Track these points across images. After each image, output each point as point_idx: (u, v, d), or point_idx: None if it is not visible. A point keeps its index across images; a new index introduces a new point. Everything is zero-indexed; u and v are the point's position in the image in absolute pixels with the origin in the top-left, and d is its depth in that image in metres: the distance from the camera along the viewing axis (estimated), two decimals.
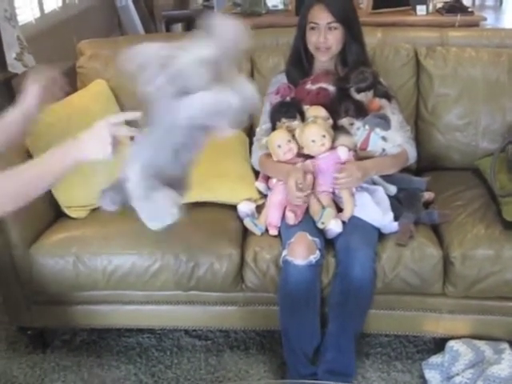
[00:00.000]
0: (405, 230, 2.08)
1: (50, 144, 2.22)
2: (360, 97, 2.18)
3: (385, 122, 2.10)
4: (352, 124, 2.16)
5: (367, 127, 2.12)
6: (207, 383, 2.24)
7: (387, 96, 2.25)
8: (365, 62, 2.28)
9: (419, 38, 2.70)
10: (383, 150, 2.13)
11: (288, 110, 2.20)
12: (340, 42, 2.22)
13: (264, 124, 2.33)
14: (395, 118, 2.18)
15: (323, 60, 2.25)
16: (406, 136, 2.25)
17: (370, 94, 2.19)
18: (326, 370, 2.07)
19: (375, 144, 2.13)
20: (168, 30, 5.91)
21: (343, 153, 2.09)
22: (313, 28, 2.20)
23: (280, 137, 2.15)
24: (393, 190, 2.17)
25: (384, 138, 2.11)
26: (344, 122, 2.17)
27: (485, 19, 3.81)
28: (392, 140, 2.14)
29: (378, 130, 2.10)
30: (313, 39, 2.22)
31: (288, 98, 2.27)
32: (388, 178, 2.18)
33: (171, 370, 2.31)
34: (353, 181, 2.05)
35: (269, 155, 2.23)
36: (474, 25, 3.48)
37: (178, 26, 6.03)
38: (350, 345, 2.07)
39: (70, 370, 2.33)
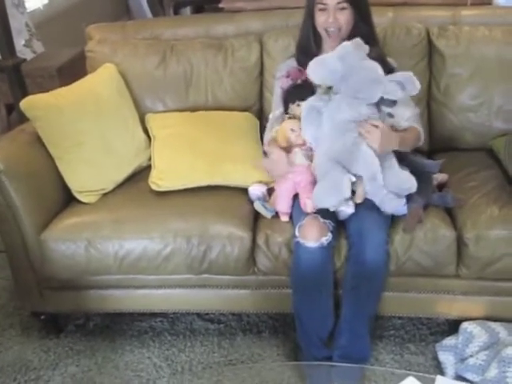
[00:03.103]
0: (413, 214, 2.06)
1: (60, 128, 2.25)
2: None
3: (390, 100, 2.07)
4: None
5: None
6: (220, 366, 2.24)
7: None
8: (374, 43, 2.24)
9: (431, 17, 2.66)
10: (392, 127, 2.10)
11: (302, 92, 2.18)
12: (350, 23, 2.18)
13: (277, 109, 2.31)
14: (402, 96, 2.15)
15: (334, 45, 2.22)
16: (415, 116, 2.21)
17: None
18: (340, 355, 2.07)
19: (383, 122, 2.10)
20: (176, 13, 5.86)
21: None
22: (321, 9, 2.17)
23: (293, 122, 2.15)
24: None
25: (390, 115, 2.08)
26: None
27: None
28: (399, 115, 2.11)
29: (383, 107, 2.07)
30: (321, 20, 2.18)
31: (299, 81, 2.24)
32: (399, 159, 2.15)
33: (184, 353, 2.31)
34: (384, 139, 1.96)
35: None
36: (487, 3, 3.41)
37: (187, 10, 5.99)
38: (365, 329, 2.07)
39: (83, 354, 2.35)
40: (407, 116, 2.14)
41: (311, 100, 2.07)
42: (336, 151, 1.97)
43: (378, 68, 1.98)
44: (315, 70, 2.04)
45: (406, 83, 1.97)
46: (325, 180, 1.98)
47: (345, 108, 1.98)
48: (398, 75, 1.99)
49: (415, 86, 1.97)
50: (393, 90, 1.96)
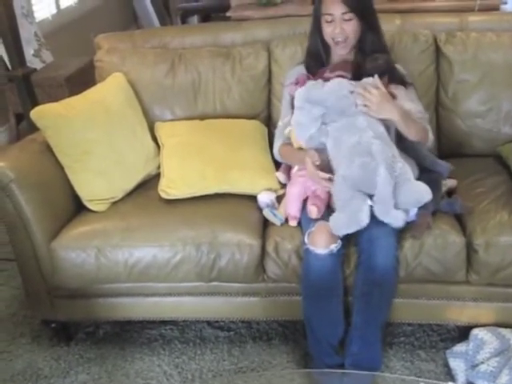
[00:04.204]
0: (422, 221, 2.05)
1: (70, 137, 2.26)
2: None
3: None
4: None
5: None
6: (230, 374, 2.24)
7: (403, 82, 2.23)
8: (382, 51, 2.25)
9: (438, 23, 2.66)
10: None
11: None
12: (357, 32, 2.19)
13: (285, 117, 2.32)
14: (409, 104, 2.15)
15: (342, 54, 2.23)
16: (420, 113, 2.20)
17: (384, 80, 2.16)
18: (351, 364, 2.06)
19: None
20: (184, 22, 5.90)
21: None
22: (328, 20, 2.18)
23: None
24: (414, 173, 2.14)
25: None
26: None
27: (505, 3, 3.73)
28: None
29: None
30: (328, 30, 2.20)
31: None
32: (413, 154, 2.14)
33: (194, 361, 2.32)
34: (377, 101, 1.98)
35: (288, 144, 2.23)
36: (494, 9, 3.42)
37: (194, 19, 6.03)
38: (376, 336, 2.06)
39: (94, 362, 2.35)
40: (408, 108, 2.11)
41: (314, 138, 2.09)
42: (354, 178, 1.96)
43: (341, 82, 2.03)
44: (301, 131, 2.09)
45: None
46: (344, 210, 1.96)
47: (344, 131, 2.00)
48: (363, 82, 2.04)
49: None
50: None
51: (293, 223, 2.16)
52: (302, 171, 2.20)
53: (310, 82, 2.10)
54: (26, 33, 4.03)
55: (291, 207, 2.16)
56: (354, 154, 1.96)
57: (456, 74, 2.50)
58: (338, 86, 2.02)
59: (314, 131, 2.05)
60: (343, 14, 2.14)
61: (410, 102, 2.14)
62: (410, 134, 2.07)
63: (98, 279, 2.21)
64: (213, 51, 2.65)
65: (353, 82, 2.04)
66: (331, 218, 1.98)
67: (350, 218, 1.94)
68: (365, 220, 1.93)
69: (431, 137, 2.18)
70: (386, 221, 1.96)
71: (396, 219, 1.96)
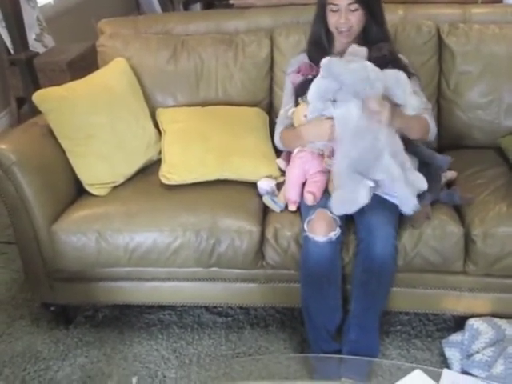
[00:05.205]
0: (421, 211, 2.06)
1: (72, 121, 2.27)
2: None
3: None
4: None
5: None
6: (228, 359, 2.26)
7: (406, 72, 2.23)
8: (385, 40, 2.25)
9: (441, 14, 2.66)
10: None
11: None
12: (361, 22, 2.20)
13: (287, 105, 2.33)
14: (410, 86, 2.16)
15: (345, 42, 2.24)
16: (425, 106, 2.21)
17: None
18: (349, 351, 2.08)
19: None
20: (186, 9, 5.87)
21: None
22: (333, 10, 2.18)
23: (307, 108, 2.16)
24: (414, 164, 2.15)
25: (397, 104, 2.09)
26: None
27: None
28: (407, 104, 2.11)
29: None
30: (333, 20, 2.20)
31: (310, 76, 2.25)
32: (411, 150, 2.15)
33: (192, 346, 2.33)
34: (382, 112, 1.97)
35: (290, 128, 2.25)
36: (497, 1, 3.41)
37: (197, 6, 6.00)
38: (374, 324, 2.08)
39: (92, 345, 2.37)
40: (414, 104, 2.12)
41: (317, 109, 2.09)
42: (355, 159, 1.97)
43: (366, 66, 2.00)
44: (313, 102, 2.08)
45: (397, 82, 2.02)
46: (343, 189, 1.98)
47: (354, 111, 1.99)
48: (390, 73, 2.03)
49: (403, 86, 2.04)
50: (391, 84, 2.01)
51: (292, 208, 2.17)
52: (301, 153, 2.21)
53: (335, 58, 2.07)
54: (28, 17, 4.03)
55: (291, 192, 2.17)
56: (360, 134, 1.97)
57: (458, 66, 2.50)
58: (361, 68, 2.00)
59: (320, 104, 2.06)
60: (349, 4, 2.14)
61: (410, 96, 2.14)
62: (412, 135, 2.11)
63: (98, 263, 2.23)
64: (216, 38, 2.66)
65: (378, 69, 2.01)
66: (331, 200, 1.99)
67: (348, 198, 1.95)
68: (363, 200, 1.94)
69: (433, 129, 2.20)
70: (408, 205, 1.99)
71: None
